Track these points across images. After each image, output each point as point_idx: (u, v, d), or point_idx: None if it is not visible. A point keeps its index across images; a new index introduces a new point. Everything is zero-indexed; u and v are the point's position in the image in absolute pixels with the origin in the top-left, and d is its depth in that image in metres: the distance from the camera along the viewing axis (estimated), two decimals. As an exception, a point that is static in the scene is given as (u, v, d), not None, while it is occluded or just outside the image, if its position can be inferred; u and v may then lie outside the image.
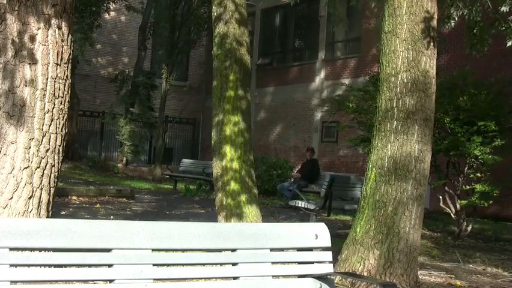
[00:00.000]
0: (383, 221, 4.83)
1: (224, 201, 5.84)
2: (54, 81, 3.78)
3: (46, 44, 3.75)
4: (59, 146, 3.85)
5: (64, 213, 8.58)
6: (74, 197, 10.82)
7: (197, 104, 24.75)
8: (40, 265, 2.06)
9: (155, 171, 18.95)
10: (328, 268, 2.57)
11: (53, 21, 3.78)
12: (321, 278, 2.54)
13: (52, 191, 3.84)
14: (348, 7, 17.01)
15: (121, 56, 24.48)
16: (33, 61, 3.71)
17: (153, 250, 2.23)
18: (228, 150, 5.94)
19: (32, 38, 3.72)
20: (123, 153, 21.02)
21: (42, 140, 3.73)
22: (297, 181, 12.98)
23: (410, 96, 4.89)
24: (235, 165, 5.91)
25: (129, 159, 21.32)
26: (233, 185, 5.87)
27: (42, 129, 3.73)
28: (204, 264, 2.36)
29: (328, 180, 8.72)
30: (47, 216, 3.79)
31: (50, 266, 2.08)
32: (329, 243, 2.60)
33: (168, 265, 2.28)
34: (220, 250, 2.41)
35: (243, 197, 5.86)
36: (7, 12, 3.70)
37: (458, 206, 8.94)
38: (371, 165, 5.03)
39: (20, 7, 3.70)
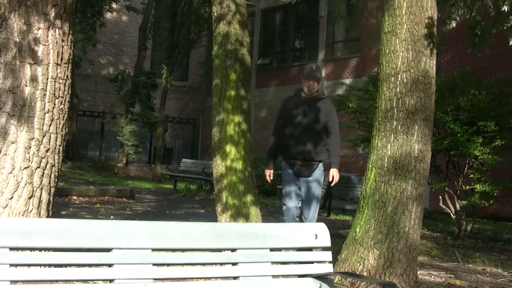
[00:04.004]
0: (382, 221, 4.84)
1: (230, 201, 5.83)
2: (55, 81, 3.79)
3: (46, 44, 3.76)
4: (59, 146, 3.85)
5: (64, 213, 8.59)
6: (74, 197, 10.82)
7: (197, 104, 24.75)
8: (40, 265, 2.06)
9: (156, 171, 18.96)
10: (328, 268, 2.57)
11: (54, 21, 3.78)
12: (320, 277, 2.55)
13: (52, 191, 3.84)
14: (348, 7, 17.04)
15: (121, 56, 24.49)
16: (33, 61, 3.72)
17: (153, 250, 2.23)
18: (232, 149, 5.94)
19: (33, 38, 3.72)
20: (123, 153, 21.03)
21: (42, 139, 3.74)
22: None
23: (409, 96, 4.90)
24: (239, 165, 5.92)
25: (129, 159, 21.33)
26: (238, 185, 5.87)
27: (43, 129, 3.74)
28: (203, 264, 2.36)
29: (328, 180, 8.73)
30: (47, 216, 3.79)
31: (50, 266, 2.08)
32: (328, 243, 2.61)
33: (168, 265, 2.28)
34: (220, 250, 2.41)
35: (249, 197, 5.87)
36: (8, 12, 3.70)
37: (457, 206, 8.95)
38: (370, 165, 5.04)
39: (21, 7, 3.71)
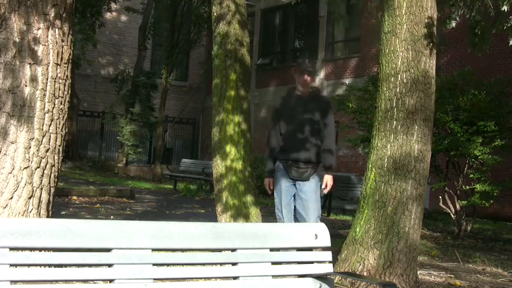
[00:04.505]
0: (382, 221, 4.84)
1: (230, 201, 5.83)
2: (55, 81, 3.79)
3: (46, 44, 3.75)
4: (59, 146, 3.85)
5: (64, 213, 8.59)
6: (74, 197, 10.82)
7: (197, 104, 24.75)
8: (40, 265, 2.06)
9: (155, 171, 18.96)
10: (328, 268, 2.57)
11: (53, 21, 3.78)
12: (320, 277, 2.55)
13: (52, 191, 3.84)
14: (348, 7, 17.04)
15: (121, 56, 24.49)
16: (33, 61, 3.72)
17: (153, 250, 2.23)
18: (232, 149, 5.94)
19: (33, 38, 3.72)
20: (123, 153, 21.03)
21: (42, 140, 3.74)
22: None
23: (409, 96, 4.90)
24: (239, 165, 5.92)
25: (129, 159, 21.33)
26: (238, 185, 5.86)
27: (42, 129, 3.74)
28: (203, 264, 2.36)
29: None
30: (47, 216, 3.79)
31: (50, 266, 2.08)
32: (328, 243, 2.60)
33: (168, 265, 2.28)
34: (220, 250, 2.41)
35: (249, 197, 5.87)
36: (7, 12, 3.70)
37: (457, 205, 8.95)
38: (370, 165, 5.04)
39: (21, 7, 3.70)
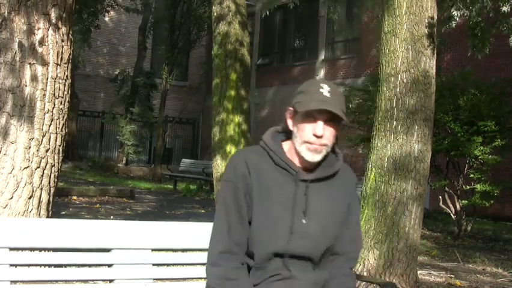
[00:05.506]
0: (382, 221, 4.83)
1: None
2: (54, 81, 3.79)
3: (46, 44, 3.76)
4: (59, 146, 3.85)
5: (64, 213, 8.58)
6: (74, 197, 10.82)
7: (197, 104, 24.73)
8: (40, 265, 2.06)
9: (156, 171, 18.96)
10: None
11: (54, 21, 3.78)
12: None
13: (52, 191, 3.84)
14: (348, 7, 17.03)
15: (121, 55, 24.47)
16: (33, 61, 3.72)
17: (153, 250, 2.23)
18: (232, 149, 5.94)
19: (33, 38, 3.72)
20: (123, 153, 21.03)
21: (42, 140, 3.74)
22: None
23: (409, 96, 4.89)
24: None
25: (129, 159, 21.33)
26: None
27: (42, 129, 3.74)
28: (203, 264, 2.36)
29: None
30: (47, 216, 3.79)
31: (50, 266, 2.08)
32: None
33: (168, 265, 2.28)
34: (220, 250, 2.41)
35: None
36: (8, 12, 3.70)
37: (458, 205, 8.95)
38: (370, 165, 5.03)
39: (21, 7, 3.70)
